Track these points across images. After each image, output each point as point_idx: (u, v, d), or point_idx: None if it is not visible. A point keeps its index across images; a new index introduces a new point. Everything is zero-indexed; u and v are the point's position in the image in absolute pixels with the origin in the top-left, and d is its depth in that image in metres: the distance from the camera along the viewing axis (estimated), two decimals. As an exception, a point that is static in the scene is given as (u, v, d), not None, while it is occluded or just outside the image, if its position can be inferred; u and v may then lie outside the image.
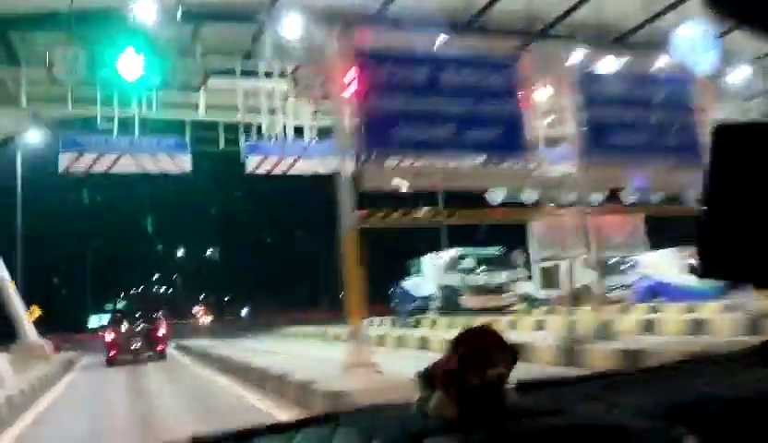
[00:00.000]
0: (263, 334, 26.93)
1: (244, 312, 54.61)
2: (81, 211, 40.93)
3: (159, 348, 16.72)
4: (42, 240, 31.75)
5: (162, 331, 16.85)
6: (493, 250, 21.47)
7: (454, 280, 20.37)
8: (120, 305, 66.35)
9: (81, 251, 42.84)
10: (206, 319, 51.35)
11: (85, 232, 41.92)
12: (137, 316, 17.06)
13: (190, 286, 57.91)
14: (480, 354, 0.77)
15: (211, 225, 50.48)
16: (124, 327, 16.45)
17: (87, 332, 39.03)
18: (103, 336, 17.06)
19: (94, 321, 46.81)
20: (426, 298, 20.95)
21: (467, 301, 19.66)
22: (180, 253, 57.98)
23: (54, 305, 32.68)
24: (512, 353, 0.79)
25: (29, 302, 17.26)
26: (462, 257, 21.04)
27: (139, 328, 16.47)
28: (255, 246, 49.52)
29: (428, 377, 0.81)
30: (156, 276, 60.77)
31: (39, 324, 20.24)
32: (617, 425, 0.74)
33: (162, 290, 61.21)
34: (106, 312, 53.48)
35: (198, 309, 55.91)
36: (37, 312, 19.14)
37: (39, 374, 12.40)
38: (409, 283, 22.58)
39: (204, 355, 16.30)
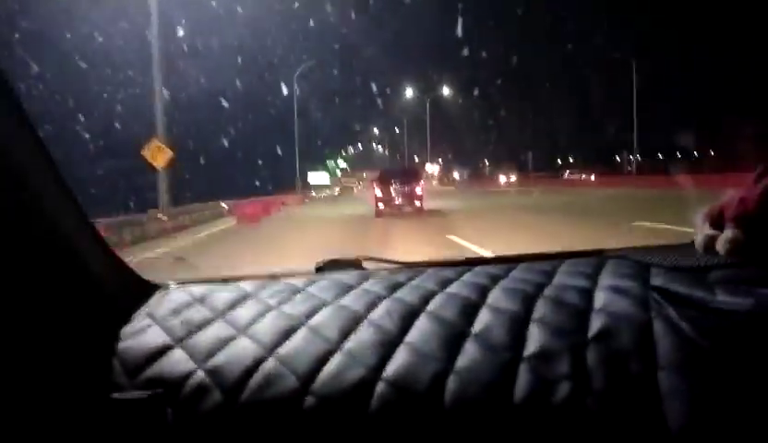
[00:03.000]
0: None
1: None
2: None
3: (417, 204, 18.45)
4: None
5: (419, 189, 18.70)
6: None
7: None
8: (341, 163, 68.18)
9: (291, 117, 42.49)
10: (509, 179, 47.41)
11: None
12: (396, 175, 19.19)
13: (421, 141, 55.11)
14: None
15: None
16: (388, 184, 18.48)
17: (297, 191, 37.63)
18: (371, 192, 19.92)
19: (313, 178, 46.86)
20: None
21: None
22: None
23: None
24: None
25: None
26: None
27: (400, 185, 18.45)
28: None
29: (717, 215, 0.75)
30: (374, 130, 59.39)
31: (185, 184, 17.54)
32: None
33: (380, 150, 60.45)
34: (325, 169, 54.21)
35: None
36: (166, 154, 15.46)
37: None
38: None
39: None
